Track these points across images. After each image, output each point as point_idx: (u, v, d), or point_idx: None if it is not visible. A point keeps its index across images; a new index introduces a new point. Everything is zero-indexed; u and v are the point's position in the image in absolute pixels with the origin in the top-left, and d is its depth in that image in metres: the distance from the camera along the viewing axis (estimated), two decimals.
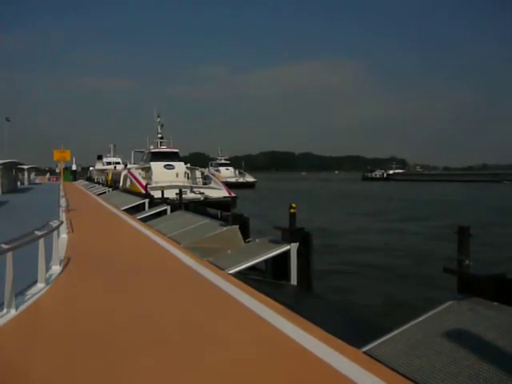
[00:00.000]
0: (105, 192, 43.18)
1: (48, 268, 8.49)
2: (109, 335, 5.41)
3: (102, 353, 4.86)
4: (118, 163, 76.59)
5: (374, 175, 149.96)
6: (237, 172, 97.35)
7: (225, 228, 13.54)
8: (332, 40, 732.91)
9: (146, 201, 26.26)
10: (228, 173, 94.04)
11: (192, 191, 34.90)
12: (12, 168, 46.22)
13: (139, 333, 5.48)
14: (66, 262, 9.64)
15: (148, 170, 43.58)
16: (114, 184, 49.42)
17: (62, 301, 7.09)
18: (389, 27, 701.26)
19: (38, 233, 7.97)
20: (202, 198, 33.51)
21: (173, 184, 34.40)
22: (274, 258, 10.61)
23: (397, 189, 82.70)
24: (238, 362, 4.63)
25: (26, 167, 58.90)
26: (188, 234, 14.08)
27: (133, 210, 24.69)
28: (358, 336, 5.71)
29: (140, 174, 42.97)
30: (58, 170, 77.02)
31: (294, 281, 10.39)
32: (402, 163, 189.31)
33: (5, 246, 6.18)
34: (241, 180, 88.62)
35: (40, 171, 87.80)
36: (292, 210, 10.78)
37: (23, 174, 62.82)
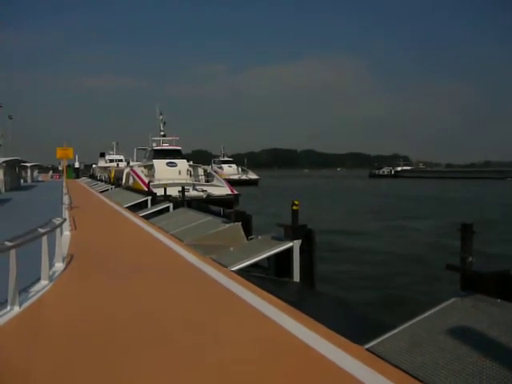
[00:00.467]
0: (107, 189, 43.26)
1: (51, 265, 8.50)
2: (111, 333, 5.42)
3: (105, 351, 4.86)
4: (121, 161, 76.63)
5: (381, 172, 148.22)
6: (240, 169, 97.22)
7: (227, 225, 13.55)
8: (332, 38, 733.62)
9: (149, 198, 26.27)
10: (231, 170, 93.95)
11: (194, 189, 34.91)
12: (15, 166, 46.31)
13: (142, 330, 5.48)
14: (69, 260, 9.66)
15: (151, 167, 43.59)
16: (116, 181, 49.49)
17: (65, 298, 7.11)
18: (389, 26, 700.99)
19: (42, 230, 7.98)
20: (204, 196, 33.51)
21: (175, 181, 34.40)
22: (276, 255, 10.62)
23: (407, 186, 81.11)
24: (241, 359, 4.63)
25: (28, 165, 59.03)
26: (190, 232, 14.09)
27: (135, 208, 24.71)
28: (360, 333, 5.71)
29: (143, 171, 42.98)
30: (60, 168, 77.19)
31: (296, 278, 10.39)
32: (405, 160, 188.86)
33: (8, 244, 6.20)
34: (244, 177, 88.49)
35: (43, 169, 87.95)
36: (294, 207, 10.78)
37: (26, 172, 62.90)
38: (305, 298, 9.85)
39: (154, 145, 49.76)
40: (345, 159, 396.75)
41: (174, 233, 14.12)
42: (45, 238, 7.82)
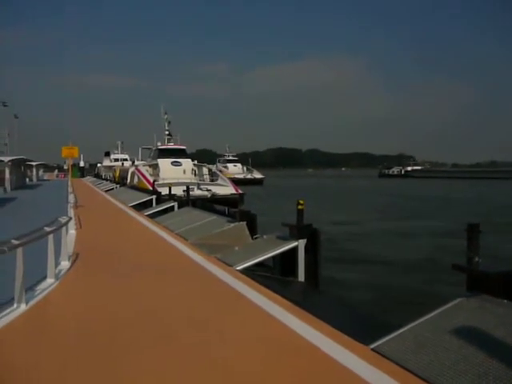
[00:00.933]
0: (112, 188, 43.34)
1: (57, 263, 8.53)
2: (116, 331, 5.43)
3: (110, 349, 4.88)
4: (126, 160, 76.81)
5: (391, 172, 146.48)
6: (245, 168, 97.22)
7: (232, 224, 13.55)
8: (333, 38, 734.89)
9: (154, 197, 26.33)
10: (236, 169, 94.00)
11: (199, 188, 34.96)
12: (21, 165, 46.48)
13: (146, 329, 5.50)
14: (75, 258, 9.69)
15: (155, 166, 43.66)
16: (121, 180, 49.61)
17: (71, 296, 7.13)
18: (390, 26, 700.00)
19: (48, 229, 8.01)
20: (209, 195, 33.57)
21: (180, 181, 34.46)
22: (281, 254, 10.62)
23: (420, 186, 79.17)
24: (246, 358, 4.63)
25: (34, 164, 59.25)
26: (195, 231, 14.10)
27: (140, 207, 24.77)
28: (365, 333, 5.71)
29: (147, 170, 43.09)
30: (65, 167, 77.20)
31: (301, 277, 10.39)
32: (410, 160, 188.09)
33: (15, 242, 6.23)
34: (249, 176, 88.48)
35: (48, 168, 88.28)
36: (300, 207, 10.77)
37: (32, 171, 63.13)
38: (310, 298, 9.85)
39: (159, 144, 49.85)
40: (350, 159, 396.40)
41: (179, 232, 14.14)
42: (51, 237, 7.85)
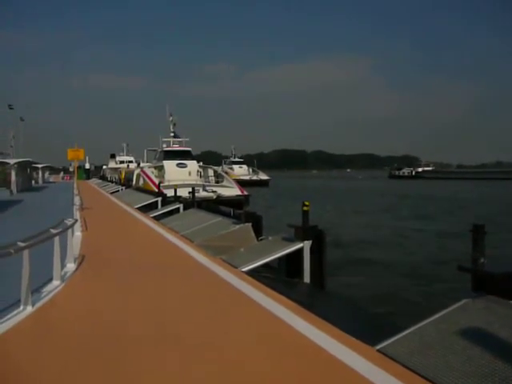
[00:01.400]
0: (118, 190, 43.49)
1: (63, 266, 8.57)
2: (122, 333, 5.45)
3: (115, 351, 4.89)
4: (131, 162, 76.95)
5: (401, 173, 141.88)
6: (250, 170, 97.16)
7: (237, 226, 13.56)
8: (340, 39, 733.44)
9: (159, 199, 26.37)
10: (242, 171, 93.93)
11: (205, 190, 34.94)
12: (27, 167, 46.66)
13: (151, 330, 5.51)
14: (81, 260, 9.73)
15: (161, 168, 43.69)
16: (127, 182, 49.70)
17: (76, 298, 7.16)
18: (394, 26, 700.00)
19: (54, 231, 8.05)
20: (214, 197, 33.55)
21: (185, 182, 34.49)
22: (287, 255, 10.62)
23: (436, 188, 76.61)
24: (251, 359, 4.64)
25: (40, 166, 59.42)
26: (201, 232, 14.13)
27: (146, 209, 24.83)
28: (371, 334, 5.71)
29: (153, 172, 43.12)
30: (71, 169, 77.65)
31: (307, 279, 10.40)
32: (415, 161, 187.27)
33: (21, 244, 6.27)
34: (254, 178, 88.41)
35: (54, 170, 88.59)
36: (305, 208, 10.78)
37: (37, 173, 63.37)
38: (315, 299, 9.85)
39: (164, 146, 49.90)
40: (354, 160, 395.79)
41: (185, 233, 14.16)
42: (57, 239, 7.89)
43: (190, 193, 23.85)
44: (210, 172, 45.12)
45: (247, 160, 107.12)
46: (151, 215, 20.76)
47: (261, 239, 12.63)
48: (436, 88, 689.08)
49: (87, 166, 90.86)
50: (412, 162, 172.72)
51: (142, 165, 55.84)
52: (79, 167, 70.64)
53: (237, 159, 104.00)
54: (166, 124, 52.74)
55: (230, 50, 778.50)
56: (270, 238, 12.01)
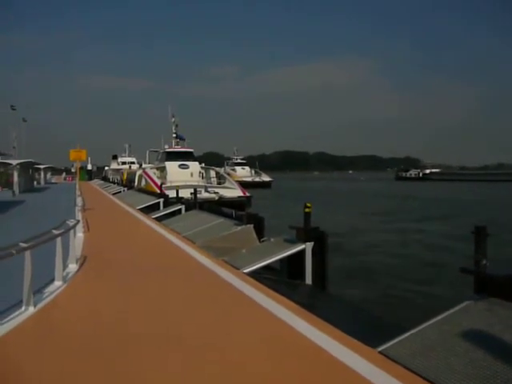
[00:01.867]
0: (120, 191, 43.53)
1: (65, 266, 8.58)
2: (123, 333, 5.46)
3: (117, 352, 4.90)
4: (133, 163, 77.20)
5: (408, 175, 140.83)
6: (253, 171, 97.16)
7: (239, 227, 13.56)
8: (342, 40, 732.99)
9: (161, 200, 26.41)
10: (244, 172, 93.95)
11: (206, 191, 35.01)
12: (29, 168, 46.76)
13: (153, 331, 5.51)
14: (83, 261, 9.74)
15: (163, 169, 43.77)
16: (129, 183, 49.77)
17: (78, 299, 7.16)
18: (396, 28, 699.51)
19: (56, 232, 8.06)
20: (216, 198, 33.60)
21: (187, 183, 34.54)
22: (288, 257, 10.62)
23: (447, 189, 75.61)
24: (253, 360, 4.64)
25: (42, 167, 59.55)
26: (202, 233, 14.13)
27: (148, 210, 24.84)
28: (373, 336, 5.70)
29: (155, 173, 43.23)
30: (73, 170, 77.82)
31: (308, 280, 10.39)
32: (417, 163, 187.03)
33: (24, 245, 6.28)
34: (257, 179, 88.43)
35: (56, 171, 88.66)
36: (307, 210, 10.78)
37: (39, 174, 63.52)
38: (317, 301, 9.84)
39: (166, 147, 49.98)
40: (356, 161, 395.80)
41: (187, 235, 14.16)
42: (59, 240, 7.90)
43: (191, 194, 23.88)
44: (212, 173, 45.19)
45: (249, 161, 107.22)
46: (153, 216, 20.78)
47: (263, 241, 12.63)
48: (436, 88, 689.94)
49: (89, 166, 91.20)
50: (414, 163, 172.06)
51: (144, 166, 56.05)
52: (81, 168, 70.72)
53: (239, 160, 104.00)
54: (168, 125, 52.89)
55: (230, 50, 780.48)
56: (271, 239, 12.00)
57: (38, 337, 5.53)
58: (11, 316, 5.98)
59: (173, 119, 52.47)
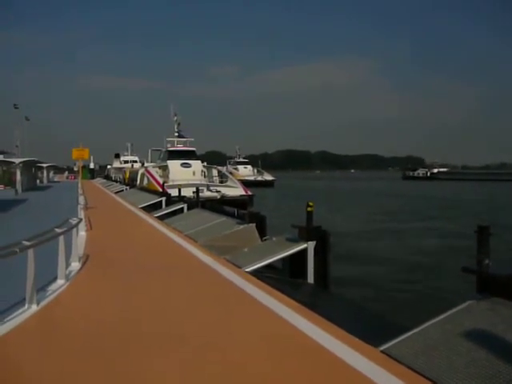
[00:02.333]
0: (122, 190, 43.60)
1: (68, 265, 8.60)
2: (126, 332, 5.46)
3: (119, 350, 4.91)
4: (136, 162, 77.19)
5: (415, 174, 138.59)
6: (255, 170, 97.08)
7: (241, 226, 13.58)
8: (342, 40, 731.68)
9: (163, 199, 26.43)
10: (246, 171, 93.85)
11: (209, 189, 34.99)
12: (31, 166, 46.83)
13: (155, 330, 5.52)
14: (85, 259, 9.75)
15: (165, 168, 43.78)
16: (131, 182, 49.83)
17: (81, 297, 7.18)
18: (396, 28, 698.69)
19: (58, 230, 8.08)
20: (218, 197, 33.60)
21: (190, 182, 34.54)
22: (291, 256, 10.63)
23: (462, 189, 74.01)
24: (254, 359, 4.64)
25: (44, 165, 59.62)
26: (205, 232, 14.15)
27: (150, 208, 24.88)
28: (375, 335, 5.70)
29: (157, 172, 43.21)
30: (76, 169, 77.97)
31: (310, 279, 10.39)
32: (420, 162, 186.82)
33: (26, 243, 6.29)
34: (259, 178, 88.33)
35: (58, 169, 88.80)
36: (309, 209, 10.78)
37: (42, 173, 63.60)
38: (319, 300, 9.84)
39: (169, 146, 49.98)
40: (358, 161, 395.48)
41: (189, 233, 14.18)
42: (61, 238, 7.91)
43: (194, 192, 23.89)
44: (214, 172, 45.16)
45: (251, 160, 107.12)
46: (155, 215, 20.80)
47: (265, 239, 12.63)
48: (436, 88, 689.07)
49: (92, 165, 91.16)
50: (417, 162, 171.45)
51: (146, 164, 55.96)
52: (84, 167, 70.89)
53: (241, 159, 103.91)
54: (170, 124, 52.88)
55: (231, 50, 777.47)
56: (273, 238, 12.01)
57: (41, 335, 5.55)
58: (14, 314, 6.00)
59: (175, 118, 52.48)
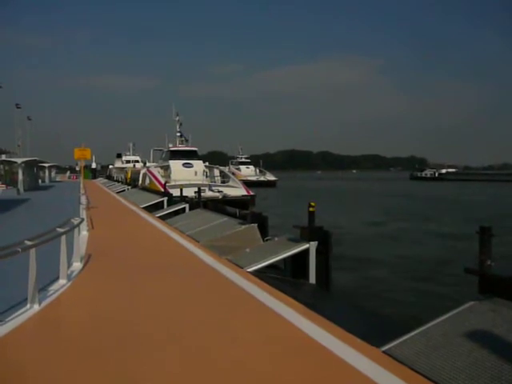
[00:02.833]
0: (124, 190, 43.63)
1: (69, 264, 8.60)
2: (127, 332, 5.47)
3: (120, 350, 4.91)
4: (137, 161, 77.13)
5: (423, 174, 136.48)
6: (257, 170, 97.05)
7: (243, 226, 13.57)
8: (345, 38, 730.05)
9: (165, 199, 26.43)
10: (249, 171, 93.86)
11: (210, 189, 35.01)
12: (34, 166, 46.93)
13: (157, 331, 5.52)
14: (87, 259, 9.76)
15: (167, 168, 43.82)
16: (133, 182, 49.84)
17: (82, 297, 7.18)
18: (397, 28, 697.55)
19: (60, 230, 8.08)
20: (220, 197, 33.63)
21: (191, 182, 34.59)
22: (292, 256, 10.62)
23: (475, 190, 72.68)
24: (256, 359, 4.63)
25: (46, 165, 59.79)
26: (206, 232, 14.14)
27: (152, 208, 24.89)
28: (377, 335, 5.69)
29: (159, 172, 43.25)
30: (78, 168, 77.98)
31: (312, 279, 10.38)
32: (422, 162, 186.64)
33: (28, 243, 6.30)
34: (262, 178, 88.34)
35: (60, 169, 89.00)
36: (311, 209, 10.77)
37: (44, 172, 63.72)
38: (321, 300, 9.83)
39: (170, 145, 50.00)
40: (360, 161, 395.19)
41: (190, 233, 14.18)
42: (63, 238, 7.92)
43: (195, 192, 23.90)
44: (216, 172, 45.20)
45: (253, 160, 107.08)
46: (157, 215, 20.81)
47: (266, 240, 12.62)
48: (438, 88, 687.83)
49: (93, 165, 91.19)
50: (419, 163, 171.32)
51: (148, 164, 56.04)
52: (85, 167, 70.90)
53: (243, 159, 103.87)
54: (172, 123, 52.87)
55: (233, 50, 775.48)
56: (275, 238, 12.01)
57: (42, 334, 5.55)
58: (16, 314, 6.00)
59: (177, 118, 52.49)
